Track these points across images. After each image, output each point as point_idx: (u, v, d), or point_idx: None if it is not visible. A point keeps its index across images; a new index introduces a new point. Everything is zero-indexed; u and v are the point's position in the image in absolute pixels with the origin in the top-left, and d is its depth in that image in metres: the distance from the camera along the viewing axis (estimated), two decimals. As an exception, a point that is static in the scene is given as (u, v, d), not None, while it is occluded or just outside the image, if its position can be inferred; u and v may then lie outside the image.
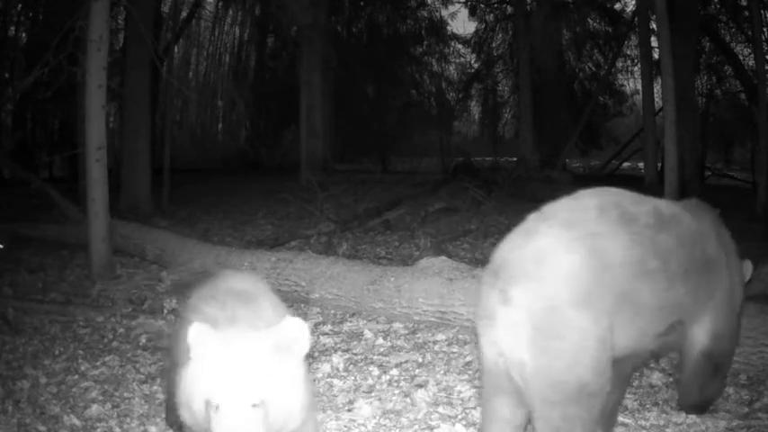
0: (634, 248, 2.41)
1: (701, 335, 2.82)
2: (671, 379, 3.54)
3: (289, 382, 1.89)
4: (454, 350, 4.13)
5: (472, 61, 22.32)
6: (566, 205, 2.51)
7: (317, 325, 4.71)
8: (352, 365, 3.95)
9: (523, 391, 2.29)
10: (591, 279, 2.28)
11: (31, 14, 16.70)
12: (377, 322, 4.74)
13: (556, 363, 2.21)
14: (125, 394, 3.60)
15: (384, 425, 3.16)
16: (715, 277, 2.78)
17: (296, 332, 1.92)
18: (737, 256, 3.02)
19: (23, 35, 16.82)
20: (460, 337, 4.33)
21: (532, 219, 2.47)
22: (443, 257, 5.20)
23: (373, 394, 3.52)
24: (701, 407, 3.11)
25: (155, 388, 3.69)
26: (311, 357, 3.80)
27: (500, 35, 21.24)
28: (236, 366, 1.81)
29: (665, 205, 2.77)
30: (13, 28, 16.93)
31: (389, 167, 20.09)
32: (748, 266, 3.11)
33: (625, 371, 2.79)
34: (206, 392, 1.81)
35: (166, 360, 3.35)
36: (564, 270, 2.27)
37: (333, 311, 5.00)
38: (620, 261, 2.36)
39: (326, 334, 4.52)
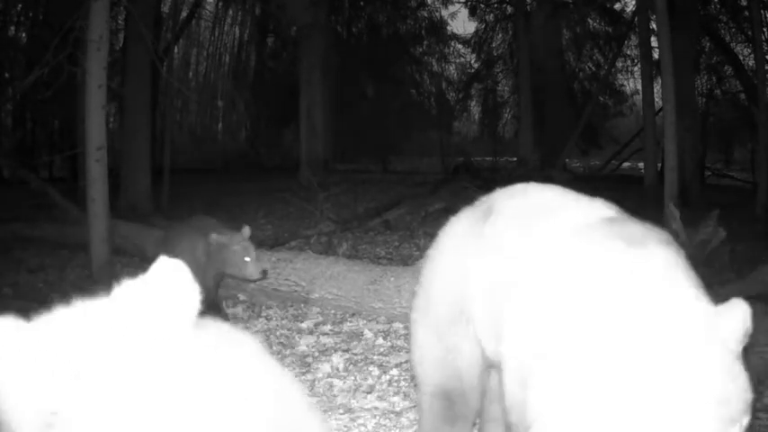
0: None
1: None
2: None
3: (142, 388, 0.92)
4: (454, 350, 4.12)
5: (472, 61, 22.39)
6: None
7: (316, 325, 4.71)
8: (352, 365, 3.95)
9: None
10: (426, 289, 2.35)
11: (31, 14, 16.72)
12: (377, 322, 4.74)
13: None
14: (125, 394, 3.59)
15: (384, 425, 3.16)
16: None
17: (167, 279, 0.97)
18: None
19: (23, 35, 16.84)
20: (460, 337, 4.32)
21: None
22: (443, 257, 5.19)
23: (373, 394, 3.52)
24: None
25: (155, 388, 3.67)
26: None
27: (500, 35, 21.28)
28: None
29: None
30: (13, 28, 16.95)
31: (389, 167, 20.11)
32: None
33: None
34: None
35: None
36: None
37: (333, 311, 5.00)
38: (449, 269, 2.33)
39: (326, 334, 4.52)
